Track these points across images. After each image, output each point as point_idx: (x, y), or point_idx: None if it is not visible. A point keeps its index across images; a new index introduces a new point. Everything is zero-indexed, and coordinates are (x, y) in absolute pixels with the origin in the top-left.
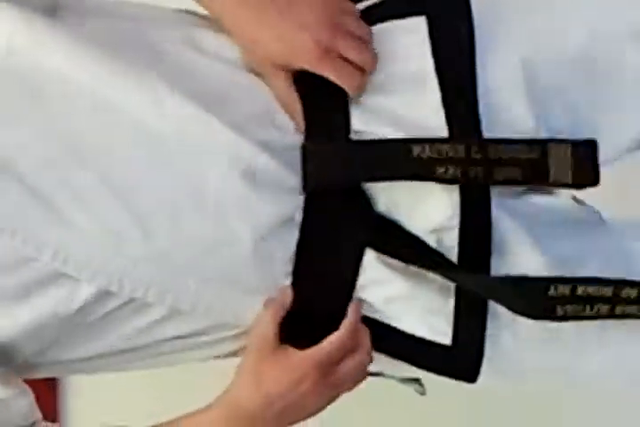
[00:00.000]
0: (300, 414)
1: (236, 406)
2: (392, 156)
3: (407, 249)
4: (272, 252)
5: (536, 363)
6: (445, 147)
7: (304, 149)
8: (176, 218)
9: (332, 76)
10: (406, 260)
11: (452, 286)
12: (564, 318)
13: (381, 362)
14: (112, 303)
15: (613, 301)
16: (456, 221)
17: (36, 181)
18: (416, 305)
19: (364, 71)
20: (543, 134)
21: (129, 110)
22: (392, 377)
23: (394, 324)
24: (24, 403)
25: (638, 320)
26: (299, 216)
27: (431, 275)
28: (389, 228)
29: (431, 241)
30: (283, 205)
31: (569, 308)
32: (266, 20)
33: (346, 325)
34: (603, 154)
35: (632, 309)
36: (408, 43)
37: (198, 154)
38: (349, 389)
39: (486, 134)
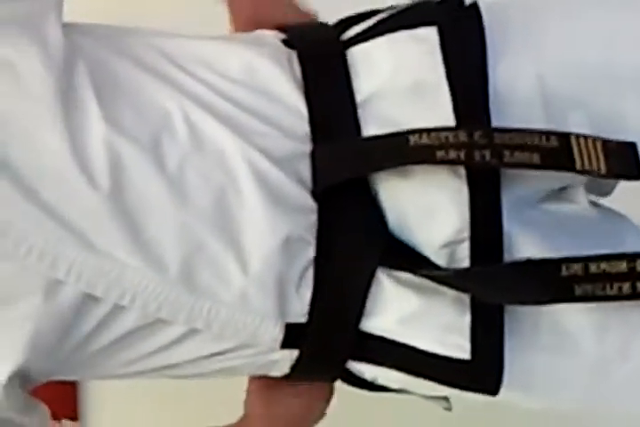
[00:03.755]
0: None
1: None
2: (390, 147)
3: (418, 264)
4: (284, 273)
5: (555, 374)
6: (444, 133)
7: (313, 152)
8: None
9: None
10: (417, 273)
11: (467, 299)
12: (585, 298)
13: (404, 381)
14: (127, 321)
15: (631, 276)
16: (466, 234)
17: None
18: (431, 322)
19: None
20: None
21: None
22: (416, 394)
23: (411, 343)
24: (37, 420)
25: None
26: (311, 237)
27: (444, 289)
28: (400, 245)
29: (443, 255)
30: (295, 224)
31: (588, 287)
32: None
33: None
34: None
35: None
36: (419, 52)
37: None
38: None
39: None
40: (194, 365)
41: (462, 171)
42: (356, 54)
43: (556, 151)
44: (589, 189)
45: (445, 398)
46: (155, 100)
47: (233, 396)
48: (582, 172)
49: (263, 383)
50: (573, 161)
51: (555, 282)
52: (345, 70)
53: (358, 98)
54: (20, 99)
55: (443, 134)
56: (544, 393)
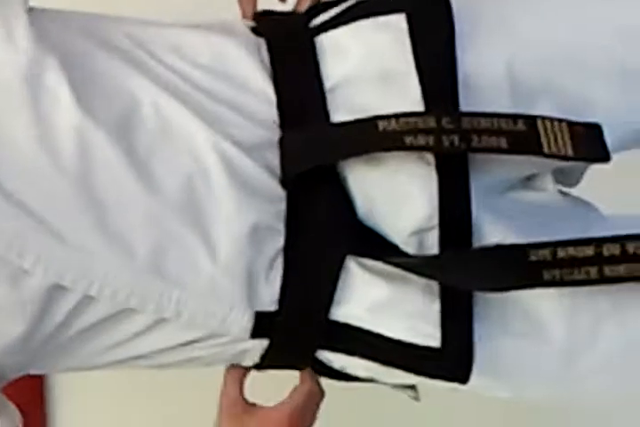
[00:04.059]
0: None
1: None
2: (359, 133)
3: (387, 252)
4: (254, 262)
5: (526, 362)
6: (413, 119)
7: (282, 140)
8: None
9: None
10: (387, 261)
11: (436, 287)
12: (553, 283)
13: (373, 369)
14: (97, 311)
15: (598, 260)
16: (435, 221)
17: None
18: (401, 310)
19: None
20: None
21: None
22: (385, 384)
23: (381, 331)
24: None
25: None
26: (280, 225)
27: (413, 277)
28: (369, 233)
29: (412, 243)
30: (264, 212)
31: (556, 272)
32: None
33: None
34: None
35: (620, 269)
36: (387, 39)
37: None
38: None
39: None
40: (164, 354)
41: (431, 158)
42: (325, 41)
43: (523, 135)
44: (557, 180)
45: (413, 388)
46: (125, 87)
47: (206, 389)
48: (549, 155)
49: (232, 402)
50: (541, 145)
51: (523, 267)
52: (313, 57)
53: (327, 84)
54: None
55: (411, 120)
56: (513, 380)
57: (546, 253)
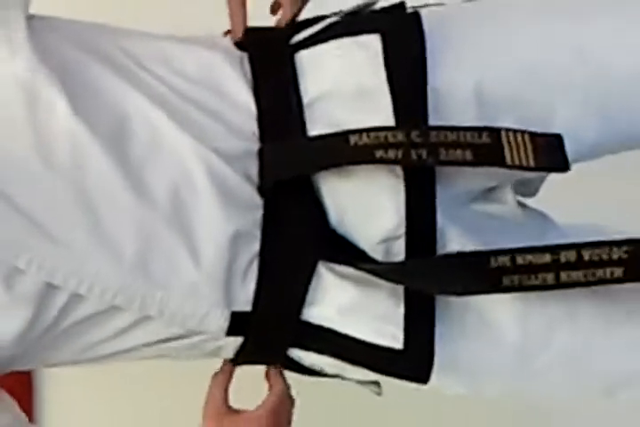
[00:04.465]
0: None
1: None
2: (332, 147)
3: (356, 258)
4: (232, 266)
5: (481, 361)
6: (383, 133)
7: (261, 151)
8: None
9: None
10: (357, 267)
11: (402, 291)
12: (512, 288)
13: (341, 367)
14: (86, 308)
15: (555, 267)
16: (402, 231)
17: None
18: (368, 313)
19: None
20: None
21: None
22: (350, 379)
23: (349, 332)
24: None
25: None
26: (257, 231)
27: (380, 282)
28: (340, 240)
29: (379, 250)
30: (243, 220)
31: (515, 278)
32: None
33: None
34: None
35: (577, 275)
36: (362, 57)
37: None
38: None
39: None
40: (145, 349)
41: (400, 170)
42: (304, 58)
43: (487, 148)
44: (516, 190)
45: (377, 384)
46: (118, 98)
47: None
48: (512, 166)
49: (217, 406)
50: (504, 157)
51: (484, 273)
52: (293, 73)
53: (305, 99)
54: None
55: (381, 134)
56: (471, 379)
57: (505, 259)
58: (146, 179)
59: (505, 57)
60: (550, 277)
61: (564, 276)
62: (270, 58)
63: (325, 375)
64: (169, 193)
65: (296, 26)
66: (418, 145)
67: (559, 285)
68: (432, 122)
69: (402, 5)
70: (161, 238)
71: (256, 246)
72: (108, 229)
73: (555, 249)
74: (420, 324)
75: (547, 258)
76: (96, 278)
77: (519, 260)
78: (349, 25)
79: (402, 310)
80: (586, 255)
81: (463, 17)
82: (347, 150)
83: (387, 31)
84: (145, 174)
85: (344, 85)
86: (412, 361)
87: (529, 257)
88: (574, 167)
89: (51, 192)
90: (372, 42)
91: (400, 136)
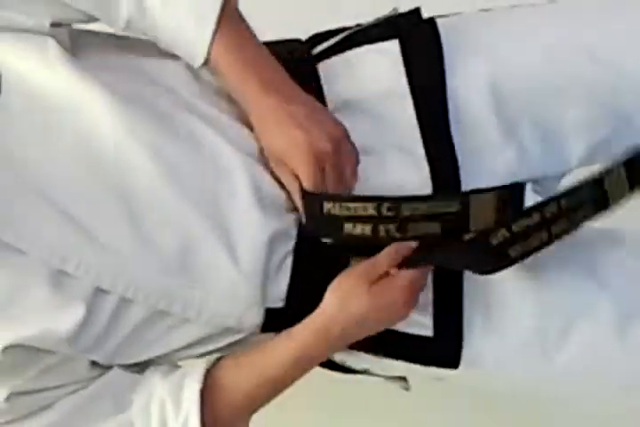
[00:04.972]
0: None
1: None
2: (313, 212)
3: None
4: (268, 265)
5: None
6: (354, 205)
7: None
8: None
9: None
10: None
11: (430, 279)
12: (521, 256)
13: (367, 361)
14: (136, 313)
15: (545, 223)
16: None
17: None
18: None
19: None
20: (511, 150)
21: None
22: (378, 375)
23: None
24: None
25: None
26: (294, 231)
27: None
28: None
29: None
30: (281, 221)
31: (517, 247)
32: (284, 122)
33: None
34: (567, 163)
35: (563, 223)
36: (383, 64)
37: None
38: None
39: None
40: (188, 349)
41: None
42: (326, 67)
43: (454, 217)
44: (533, 190)
45: (404, 379)
46: (161, 111)
47: None
48: (473, 231)
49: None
50: (468, 223)
51: (490, 252)
52: (317, 82)
53: (330, 107)
54: None
55: (352, 206)
56: (494, 372)
57: (503, 232)
58: (189, 184)
59: (519, 58)
60: (544, 235)
61: (554, 229)
62: (295, 69)
63: (354, 371)
64: (208, 195)
65: (317, 37)
66: (388, 220)
67: (553, 237)
68: (452, 124)
69: (417, 11)
70: (200, 239)
71: (291, 244)
72: (151, 233)
73: (539, 207)
74: (448, 311)
75: (536, 218)
76: (140, 282)
77: (515, 228)
78: (368, 33)
79: (430, 297)
80: (563, 204)
81: (478, 21)
82: (319, 218)
83: (404, 36)
84: (185, 176)
85: (368, 91)
86: (442, 348)
87: (523, 222)
88: (587, 168)
89: (96, 198)
90: (392, 47)
91: (371, 210)
